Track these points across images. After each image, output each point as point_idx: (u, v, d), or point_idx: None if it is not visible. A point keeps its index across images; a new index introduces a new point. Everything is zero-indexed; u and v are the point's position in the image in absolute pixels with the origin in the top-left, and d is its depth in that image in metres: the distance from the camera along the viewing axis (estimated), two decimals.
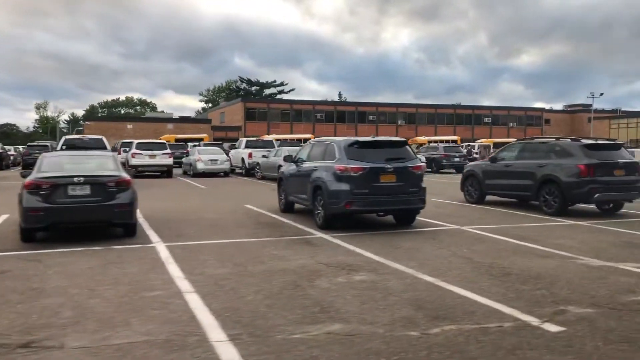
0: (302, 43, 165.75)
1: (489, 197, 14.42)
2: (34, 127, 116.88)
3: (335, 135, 70.33)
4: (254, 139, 31.67)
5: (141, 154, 24.62)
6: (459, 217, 11.64)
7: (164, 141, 26.41)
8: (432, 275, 6.52)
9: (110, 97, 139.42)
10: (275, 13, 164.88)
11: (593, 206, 13.02)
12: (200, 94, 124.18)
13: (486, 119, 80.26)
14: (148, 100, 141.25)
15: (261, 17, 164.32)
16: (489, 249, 8.12)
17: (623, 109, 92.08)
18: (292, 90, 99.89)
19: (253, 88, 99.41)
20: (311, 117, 71.03)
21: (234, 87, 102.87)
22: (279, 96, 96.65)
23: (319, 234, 9.35)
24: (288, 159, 12.82)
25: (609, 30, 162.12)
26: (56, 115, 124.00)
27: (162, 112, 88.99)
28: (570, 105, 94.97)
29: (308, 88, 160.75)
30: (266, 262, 7.24)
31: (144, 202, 14.34)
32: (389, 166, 9.48)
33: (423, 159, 30.45)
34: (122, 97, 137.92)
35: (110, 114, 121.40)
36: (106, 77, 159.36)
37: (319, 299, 5.54)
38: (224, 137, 63.37)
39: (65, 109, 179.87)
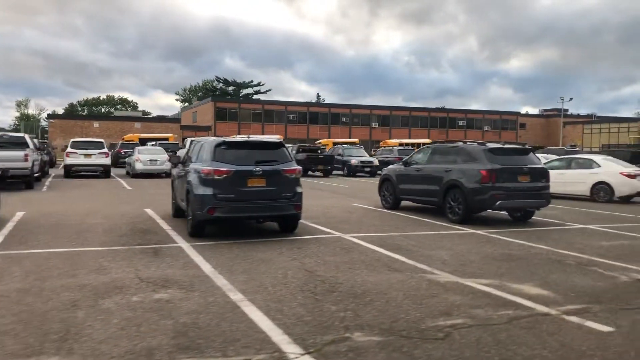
0: (292, 44, 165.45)
1: (408, 203, 13.78)
2: (15, 124, 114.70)
3: (307, 137, 69.77)
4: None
5: (76, 153, 23.68)
6: (354, 224, 10.97)
7: (101, 140, 25.46)
8: (246, 292, 5.81)
9: (92, 95, 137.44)
10: (266, 14, 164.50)
11: (505, 214, 12.47)
12: (177, 93, 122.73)
13: (461, 123, 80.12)
14: (130, 99, 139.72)
15: (252, 18, 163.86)
16: (343, 261, 7.42)
17: (606, 115, 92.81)
18: (269, 90, 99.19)
19: (230, 88, 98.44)
20: (283, 118, 70.31)
21: (210, 86, 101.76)
22: (256, 96, 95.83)
23: (182, 243, 8.60)
24: (174, 160, 12.08)
25: (597, 37, 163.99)
26: (37, 113, 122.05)
27: (145, 111, 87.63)
28: (546, 110, 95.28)
29: (298, 90, 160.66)
30: (78, 276, 6.48)
31: (43, 204, 13.57)
32: (257, 169, 8.76)
33: (376, 161, 29.89)
34: (103, 96, 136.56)
35: (90, 113, 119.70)
36: (95, 75, 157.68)
37: (75, 323, 4.79)
38: (194, 137, 62.38)
39: (47, 107, 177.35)
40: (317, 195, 17.53)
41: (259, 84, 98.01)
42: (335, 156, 31.19)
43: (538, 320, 5.06)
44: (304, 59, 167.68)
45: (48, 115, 75.41)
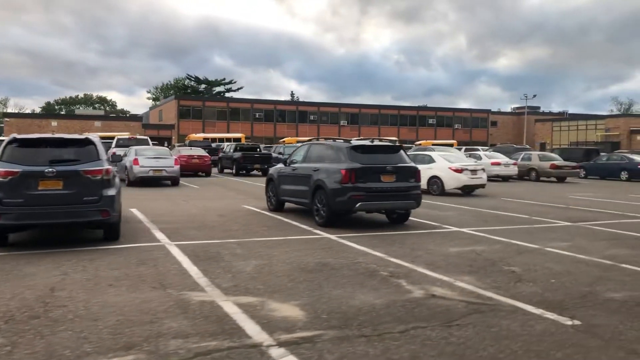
0: (282, 43, 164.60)
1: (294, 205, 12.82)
2: None
3: (274, 136, 68.67)
4: (127, 136, 29.54)
5: None
6: (210, 230, 9.95)
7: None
8: None
9: (77, 94, 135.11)
10: (256, 12, 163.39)
11: (383, 215, 11.56)
12: (148, 92, 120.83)
13: (431, 121, 79.54)
14: (109, 98, 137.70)
15: (242, 17, 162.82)
16: (110, 277, 6.42)
17: (586, 113, 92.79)
18: (241, 88, 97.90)
19: (202, 86, 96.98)
20: (249, 116, 69.16)
21: (182, 84, 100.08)
22: (228, 94, 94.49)
23: None
24: None
25: (586, 35, 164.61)
26: (16, 112, 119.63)
27: (123, 109, 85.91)
28: (518, 108, 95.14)
29: (287, 88, 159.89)
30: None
31: None
32: (50, 170, 7.70)
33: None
34: (81, 94, 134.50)
35: (68, 112, 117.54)
36: (82, 74, 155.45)
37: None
38: (156, 136, 61.09)
39: (31, 107, 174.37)
40: (218, 196, 16.54)
41: (230, 82, 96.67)
42: (277, 155, 30.27)
43: (232, 355, 4.09)
44: (293, 58, 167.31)
45: (3, 114, 73.43)
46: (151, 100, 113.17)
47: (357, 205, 9.88)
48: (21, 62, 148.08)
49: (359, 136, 71.08)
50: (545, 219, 11.93)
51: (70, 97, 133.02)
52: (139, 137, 28.63)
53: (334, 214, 10.23)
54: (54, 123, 61.58)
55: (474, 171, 17.97)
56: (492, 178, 26.63)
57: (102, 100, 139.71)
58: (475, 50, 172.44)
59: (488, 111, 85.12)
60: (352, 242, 8.74)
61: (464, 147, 36.15)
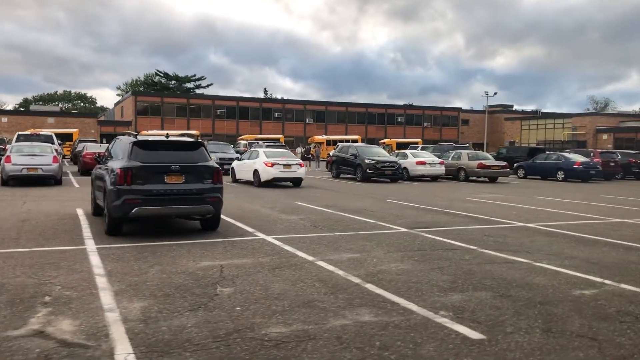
0: (278, 41, 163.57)
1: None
2: None
3: (237, 133, 67.00)
4: (27, 133, 27.92)
5: None
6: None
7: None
8: None
9: (49, 91, 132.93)
10: (252, 10, 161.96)
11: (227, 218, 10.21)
12: (118, 88, 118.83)
13: (400, 119, 78.45)
14: (88, 95, 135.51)
15: (238, 14, 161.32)
16: None
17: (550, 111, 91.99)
18: (210, 85, 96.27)
19: (171, 82, 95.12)
20: (210, 112, 67.60)
21: (151, 80, 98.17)
22: (199, 91, 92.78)
23: None
24: None
25: (582, 35, 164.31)
26: None
27: (102, 106, 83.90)
28: (490, 106, 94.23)
29: (283, 86, 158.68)
30: None
31: None
32: None
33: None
34: (60, 91, 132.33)
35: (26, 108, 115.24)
36: (75, 70, 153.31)
37: None
38: (112, 133, 59.40)
39: (8, 103, 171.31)
40: (76, 197, 15.10)
41: (201, 78, 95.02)
42: None
43: None
44: (289, 56, 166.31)
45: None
46: (119, 97, 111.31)
47: (133, 211, 8.48)
48: (13, 58, 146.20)
49: (325, 134, 69.86)
50: (389, 225, 10.63)
51: (48, 94, 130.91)
52: (42, 132, 26.97)
53: (113, 222, 8.84)
54: (4, 119, 59.69)
55: (286, 165, 19.95)
56: (418, 178, 25.54)
57: (81, 97, 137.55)
58: (472, 49, 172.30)
59: (459, 109, 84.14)
60: (94, 256, 7.38)
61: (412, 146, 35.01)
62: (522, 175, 30.01)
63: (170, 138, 9.53)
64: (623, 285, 6.20)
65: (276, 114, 71.06)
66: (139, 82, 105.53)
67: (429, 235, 9.46)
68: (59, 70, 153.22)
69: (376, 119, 77.00)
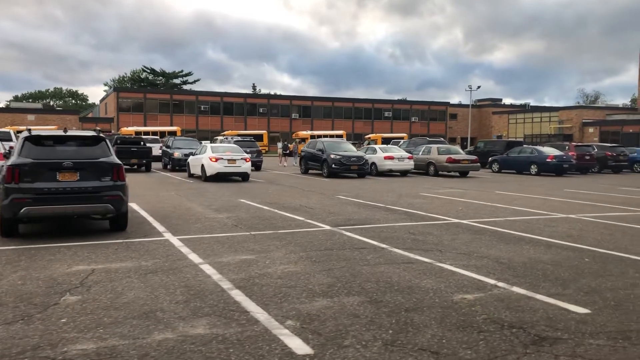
0: (276, 36, 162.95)
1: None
2: None
3: (221, 129, 66.36)
4: None
5: None
6: None
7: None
8: None
9: (46, 88, 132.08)
10: (251, 5, 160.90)
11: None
12: (105, 84, 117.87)
13: (387, 114, 77.90)
14: (80, 92, 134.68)
15: (236, 10, 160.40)
16: None
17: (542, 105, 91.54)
18: (198, 80, 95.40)
19: (158, 78, 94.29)
20: (194, 108, 66.92)
21: (138, 77, 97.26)
22: (185, 87, 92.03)
23: None
24: None
25: (582, 28, 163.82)
26: None
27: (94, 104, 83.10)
28: (479, 100, 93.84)
29: (280, 82, 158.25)
30: None
31: None
32: None
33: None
34: (51, 88, 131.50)
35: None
36: (74, 68, 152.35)
37: None
38: (93, 129, 58.65)
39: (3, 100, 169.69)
40: None
41: (188, 74, 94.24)
42: (164, 149, 28.41)
43: None
44: (287, 51, 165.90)
45: None
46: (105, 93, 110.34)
47: (22, 211, 7.94)
48: (11, 56, 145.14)
49: (311, 129, 69.27)
50: (316, 223, 10.13)
51: (39, 91, 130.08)
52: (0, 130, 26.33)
53: (6, 223, 8.30)
54: None
55: (230, 160, 20.32)
56: (387, 173, 25.07)
57: (72, 94, 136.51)
58: (471, 43, 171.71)
59: (447, 104, 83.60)
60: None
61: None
62: (496, 169, 29.57)
63: (70, 132, 8.97)
64: (515, 289, 5.72)
65: (261, 110, 70.42)
66: (126, 79, 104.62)
67: (348, 234, 8.97)
68: (57, 68, 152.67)
69: (363, 114, 76.44)
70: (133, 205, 12.42)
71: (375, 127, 75.59)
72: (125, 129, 52.08)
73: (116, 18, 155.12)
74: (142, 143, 26.75)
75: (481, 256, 7.35)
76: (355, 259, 7.06)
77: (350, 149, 25.00)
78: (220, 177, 20.56)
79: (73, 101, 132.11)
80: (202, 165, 20.69)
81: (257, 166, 27.97)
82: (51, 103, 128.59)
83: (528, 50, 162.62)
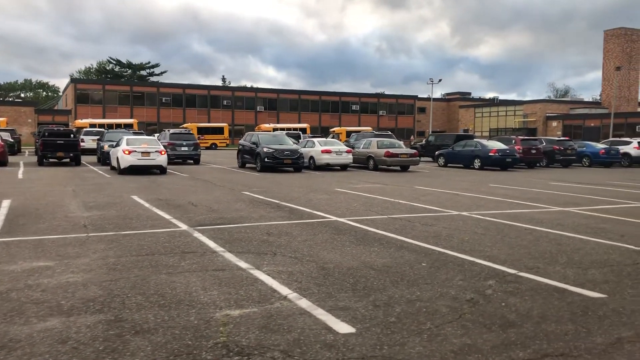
0: (262, 29, 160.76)
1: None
2: None
3: (183, 121, 65.02)
4: None
5: None
6: None
7: None
8: None
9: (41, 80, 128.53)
10: None
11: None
12: (71, 76, 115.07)
13: (354, 107, 77.32)
14: (51, 83, 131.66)
15: (222, 1, 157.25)
16: None
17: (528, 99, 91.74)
18: (165, 72, 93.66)
19: (125, 70, 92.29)
20: (155, 100, 65.45)
21: (103, 68, 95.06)
22: (153, 79, 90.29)
23: None
24: None
25: (568, 23, 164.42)
26: None
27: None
28: (449, 94, 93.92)
29: (266, 75, 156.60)
30: None
31: None
32: None
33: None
34: (21, 80, 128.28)
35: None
36: (55, 59, 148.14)
37: None
38: (50, 122, 57.05)
39: None
40: None
41: (155, 65, 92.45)
42: (97, 142, 27.33)
43: None
44: (273, 44, 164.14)
45: None
46: None
47: None
48: None
49: (277, 122, 68.34)
50: (175, 223, 9.36)
51: (8, 83, 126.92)
52: None
53: None
54: None
55: (144, 153, 19.90)
56: (325, 167, 24.41)
57: (43, 86, 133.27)
58: (457, 36, 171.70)
59: (415, 97, 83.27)
60: None
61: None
62: (442, 163, 29.11)
63: None
64: (301, 302, 5.02)
65: (225, 102, 69.24)
66: (92, 70, 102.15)
67: (198, 235, 8.21)
68: (38, 59, 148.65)
69: (330, 107, 75.76)
70: (4, 202, 11.54)
71: (343, 120, 75.00)
72: (79, 121, 50.58)
73: (99, 9, 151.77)
74: (71, 136, 25.60)
75: (312, 260, 6.67)
76: (163, 266, 6.31)
77: (286, 142, 24.24)
78: (136, 170, 19.77)
79: (45, 93, 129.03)
80: (117, 158, 20.32)
81: (195, 160, 27.09)
82: (22, 95, 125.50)
83: (513, 43, 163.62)
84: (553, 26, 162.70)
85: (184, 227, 8.96)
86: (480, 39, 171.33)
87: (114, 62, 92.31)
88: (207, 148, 54.36)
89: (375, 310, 4.82)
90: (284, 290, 5.39)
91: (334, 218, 10.05)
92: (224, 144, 56.14)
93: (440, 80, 61.20)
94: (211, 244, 7.58)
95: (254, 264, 6.41)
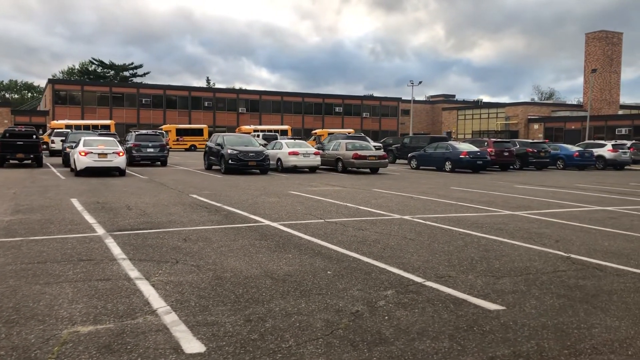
0: (256, 31, 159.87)
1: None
2: None
3: (164, 122, 64.32)
4: None
5: None
6: None
7: None
8: None
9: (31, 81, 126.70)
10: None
11: None
12: (53, 76, 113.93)
13: (337, 109, 76.98)
14: (35, 84, 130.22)
15: (216, 2, 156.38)
16: None
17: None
18: (148, 73, 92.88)
19: (108, 70, 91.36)
20: (135, 101, 64.69)
21: (85, 69, 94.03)
22: (137, 79, 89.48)
23: None
24: None
25: (561, 26, 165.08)
26: None
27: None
28: (432, 96, 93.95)
29: (259, 77, 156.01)
30: None
31: None
32: None
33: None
34: (6, 81, 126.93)
35: None
36: (46, 60, 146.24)
37: None
38: (28, 123, 56.12)
39: None
40: None
41: (138, 67, 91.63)
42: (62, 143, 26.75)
43: None
44: (266, 46, 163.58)
45: None
46: None
47: None
48: None
49: (260, 124, 67.89)
50: (96, 228, 8.91)
51: None
52: None
53: None
54: None
55: (101, 154, 19.53)
56: (293, 169, 24.01)
57: (28, 87, 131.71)
58: (452, 39, 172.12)
59: (398, 99, 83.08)
60: None
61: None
62: (414, 166, 28.82)
63: None
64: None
65: (206, 103, 68.62)
66: (74, 71, 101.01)
67: (108, 241, 7.77)
68: (29, 60, 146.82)
69: (313, 109, 75.38)
70: None
71: (326, 122, 74.67)
72: (55, 122, 49.85)
73: (91, 9, 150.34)
74: (33, 137, 24.99)
75: (212, 269, 6.25)
76: (45, 275, 5.87)
77: (251, 144, 23.80)
78: (93, 172, 19.30)
79: (29, 94, 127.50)
80: (74, 160, 20.03)
81: (162, 161, 26.58)
82: (7, 96, 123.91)
83: (507, 47, 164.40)
84: (546, 30, 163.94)
85: (100, 232, 8.51)
86: (475, 42, 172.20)
87: (97, 62, 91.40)
88: (186, 150, 53.77)
89: (243, 325, 4.42)
90: (157, 303, 4.97)
91: (267, 222, 9.64)
92: (204, 146, 55.52)
93: (420, 82, 60.77)
94: (116, 250, 7.14)
95: (145, 274, 5.98)
